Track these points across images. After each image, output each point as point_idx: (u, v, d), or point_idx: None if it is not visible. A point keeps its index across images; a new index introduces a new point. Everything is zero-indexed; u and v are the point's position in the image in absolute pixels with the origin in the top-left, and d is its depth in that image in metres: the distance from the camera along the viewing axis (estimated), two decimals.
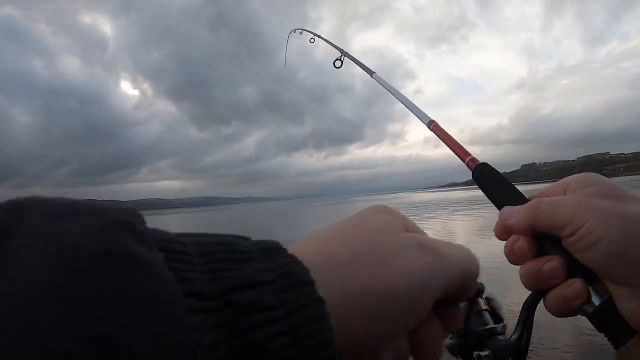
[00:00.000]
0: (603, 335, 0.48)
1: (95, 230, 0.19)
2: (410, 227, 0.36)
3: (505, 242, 0.54)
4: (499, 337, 0.65)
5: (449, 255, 0.33)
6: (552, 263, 0.48)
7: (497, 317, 0.71)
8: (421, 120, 0.90)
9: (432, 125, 0.85)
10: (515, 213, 0.52)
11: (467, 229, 19.03)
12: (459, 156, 0.72)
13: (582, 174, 0.52)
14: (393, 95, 1.08)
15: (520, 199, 0.56)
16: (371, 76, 1.31)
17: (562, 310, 0.49)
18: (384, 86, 1.16)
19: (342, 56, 1.63)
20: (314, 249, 0.30)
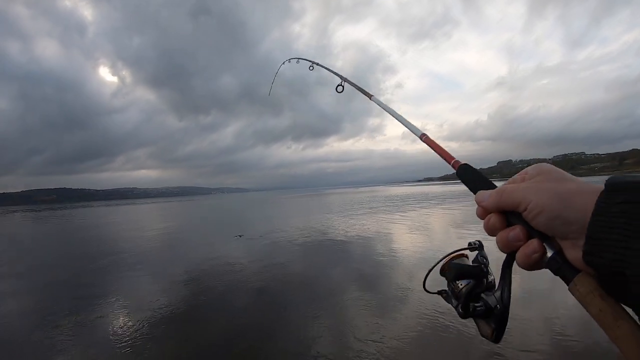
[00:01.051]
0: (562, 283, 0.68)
1: None
2: None
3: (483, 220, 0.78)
4: (488, 293, 0.85)
5: None
6: (515, 231, 0.72)
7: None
8: (414, 133, 1.12)
9: (424, 138, 1.08)
10: (487, 197, 0.77)
11: (446, 220, 19.24)
12: (445, 160, 0.97)
13: (537, 164, 0.75)
14: (390, 114, 1.30)
15: (491, 186, 0.81)
16: (370, 98, 1.54)
17: (528, 264, 0.70)
18: (382, 107, 1.40)
19: (343, 82, 1.88)
20: None
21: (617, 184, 0.63)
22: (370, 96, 1.54)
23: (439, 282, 1.02)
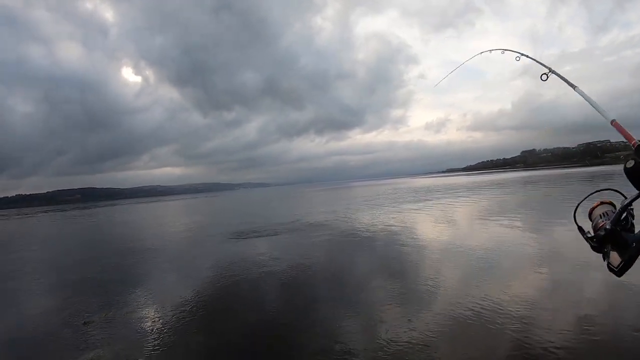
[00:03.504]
0: None
1: None
2: None
3: None
4: (629, 233, 1.00)
5: None
6: None
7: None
8: (606, 118, 1.26)
9: (614, 123, 1.24)
10: None
11: (473, 213, 19.29)
12: (628, 142, 1.14)
13: None
14: (593, 106, 1.38)
15: None
16: (574, 89, 1.66)
17: None
18: (585, 98, 1.47)
19: (549, 72, 2.05)
20: None
21: None
22: (574, 87, 1.66)
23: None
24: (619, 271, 0.92)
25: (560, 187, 33.65)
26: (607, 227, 0.99)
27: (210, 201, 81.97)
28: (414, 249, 11.46)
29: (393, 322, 5.97)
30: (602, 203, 1.12)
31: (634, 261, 0.90)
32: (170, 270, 11.46)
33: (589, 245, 1.11)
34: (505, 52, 2.74)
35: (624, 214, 1.04)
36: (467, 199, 29.29)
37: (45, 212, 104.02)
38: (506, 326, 5.44)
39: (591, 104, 1.36)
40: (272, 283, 8.86)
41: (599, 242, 1.02)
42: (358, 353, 5.09)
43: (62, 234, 30.45)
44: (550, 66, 2.02)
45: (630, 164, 0.86)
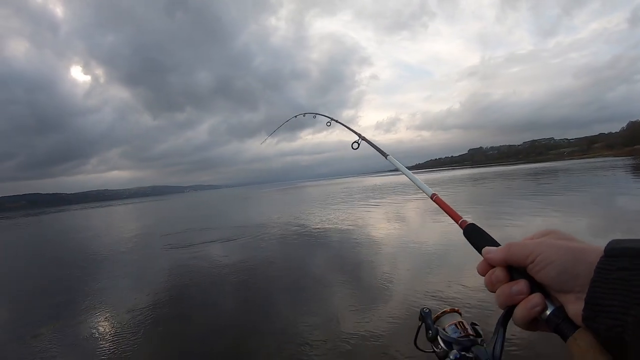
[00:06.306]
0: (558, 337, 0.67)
1: None
2: None
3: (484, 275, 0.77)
4: (479, 347, 0.81)
5: None
6: (519, 284, 0.71)
7: (477, 333, 0.87)
8: (426, 193, 1.17)
9: (435, 197, 1.12)
10: (495, 250, 0.77)
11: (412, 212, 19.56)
12: (454, 219, 0.96)
13: (545, 229, 0.76)
14: (404, 173, 1.35)
15: (496, 244, 0.81)
16: (386, 158, 1.63)
17: (526, 319, 0.70)
18: (397, 166, 1.44)
19: (360, 140, 1.95)
20: None
21: (617, 250, 0.63)
22: (386, 155, 1.64)
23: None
24: None
25: (509, 183, 34.74)
26: None
27: (154, 205, 79.91)
28: (369, 247, 11.62)
29: (350, 316, 6.10)
30: (452, 310, 1.07)
31: None
32: (121, 277, 11.10)
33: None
34: (318, 116, 2.82)
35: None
36: (414, 197, 28.71)
37: None
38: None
39: (410, 179, 1.31)
40: (226, 287, 8.80)
41: None
42: (318, 346, 5.22)
43: (4, 242, 29.05)
44: (361, 133, 1.97)
45: None
